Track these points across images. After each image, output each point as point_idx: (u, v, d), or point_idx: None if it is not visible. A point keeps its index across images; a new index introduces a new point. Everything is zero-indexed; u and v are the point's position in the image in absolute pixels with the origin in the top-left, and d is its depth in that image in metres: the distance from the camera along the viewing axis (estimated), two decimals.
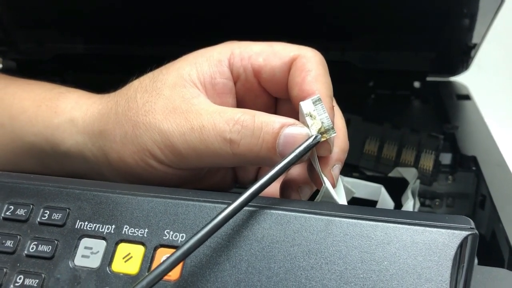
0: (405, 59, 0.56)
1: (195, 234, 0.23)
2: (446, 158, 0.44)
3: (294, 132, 0.26)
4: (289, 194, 0.29)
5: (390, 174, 0.43)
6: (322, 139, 0.26)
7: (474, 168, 0.42)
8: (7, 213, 0.27)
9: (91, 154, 0.31)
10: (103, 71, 0.62)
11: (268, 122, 0.27)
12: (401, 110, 0.56)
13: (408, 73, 0.58)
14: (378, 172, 0.44)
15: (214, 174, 0.33)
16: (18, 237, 0.26)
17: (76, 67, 0.65)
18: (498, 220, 0.35)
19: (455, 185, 0.43)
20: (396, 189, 0.41)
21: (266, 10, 0.47)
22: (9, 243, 0.26)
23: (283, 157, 0.26)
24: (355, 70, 0.55)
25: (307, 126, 0.26)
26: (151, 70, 0.32)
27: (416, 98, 0.58)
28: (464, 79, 0.59)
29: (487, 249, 0.38)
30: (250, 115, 0.27)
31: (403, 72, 0.57)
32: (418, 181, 0.41)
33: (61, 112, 0.33)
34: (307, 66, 0.28)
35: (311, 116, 0.26)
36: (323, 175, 0.27)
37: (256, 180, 0.27)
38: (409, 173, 0.41)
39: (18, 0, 0.49)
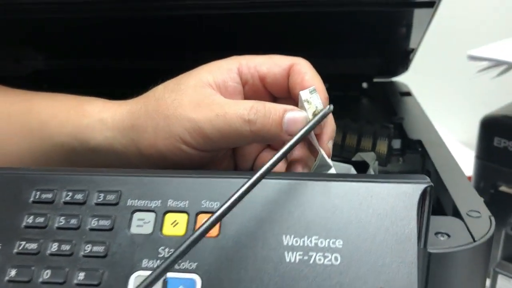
0: (354, 65, 0.64)
1: (229, 198, 0.29)
2: (397, 143, 0.52)
3: (295, 114, 0.35)
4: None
5: (353, 159, 0.50)
6: None
7: (420, 149, 0.50)
8: (66, 198, 0.33)
9: (121, 146, 0.38)
10: (80, 87, 0.66)
11: (275, 107, 0.35)
12: (353, 108, 0.64)
13: (357, 76, 0.66)
14: (343, 158, 0.51)
15: (219, 164, 0.41)
16: (80, 216, 0.33)
17: (53, 83, 0.67)
18: (445, 188, 0.42)
19: (406, 164, 0.51)
20: (359, 170, 0.48)
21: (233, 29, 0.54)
22: (73, 221, 0.32)
23: (288, 132, 0.34)
24: None
25: (305, 109, 0.35)
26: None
27: (365, 97, 0.66)
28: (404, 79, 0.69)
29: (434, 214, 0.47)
30: (261, 103, 0.35)
31: (352, 76, 0.65)
32: (376, 162, 0.49)
33: (89, 115, 0.39)
34: (303, 70, 0.37)
35: (308, 102, 0.35)
36: (319, 147, 0.35)
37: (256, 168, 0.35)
38: (369, 157, 0.49)
39: None
